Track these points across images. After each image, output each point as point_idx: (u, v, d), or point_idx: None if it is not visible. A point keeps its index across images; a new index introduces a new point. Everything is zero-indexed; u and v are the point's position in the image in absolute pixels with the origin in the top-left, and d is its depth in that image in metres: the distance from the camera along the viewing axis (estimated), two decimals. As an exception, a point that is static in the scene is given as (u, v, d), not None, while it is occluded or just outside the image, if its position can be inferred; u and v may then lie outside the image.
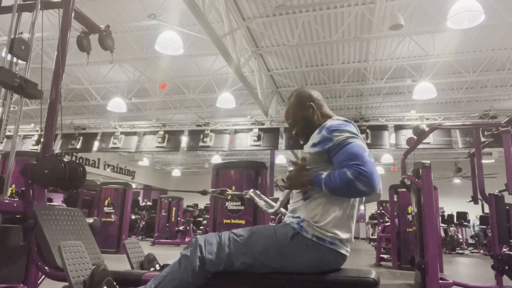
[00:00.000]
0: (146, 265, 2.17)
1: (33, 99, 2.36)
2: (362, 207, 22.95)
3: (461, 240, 12.83)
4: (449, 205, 15.07)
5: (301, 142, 1.79)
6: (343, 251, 1.53)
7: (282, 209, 1.88)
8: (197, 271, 1.53)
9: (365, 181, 1.39)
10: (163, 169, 23.10)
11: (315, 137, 1.61)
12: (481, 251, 11.92)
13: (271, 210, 1.79)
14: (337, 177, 1.45)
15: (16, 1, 2.48)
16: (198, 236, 1.69)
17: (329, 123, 1.61)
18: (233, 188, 5.73)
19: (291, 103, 1.78)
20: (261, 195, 2.00)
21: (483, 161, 4.99)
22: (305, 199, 1.58)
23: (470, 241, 13.98)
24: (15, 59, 2.37)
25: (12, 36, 2.33)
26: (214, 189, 2.22)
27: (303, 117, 1.73)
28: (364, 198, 1.61)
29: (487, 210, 6.06)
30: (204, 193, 2.27)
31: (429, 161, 4.11)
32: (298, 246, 1.50)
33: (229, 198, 5.57)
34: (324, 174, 1.51)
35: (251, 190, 2.00)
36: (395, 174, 11.71)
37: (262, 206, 1.87)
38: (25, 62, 2.35)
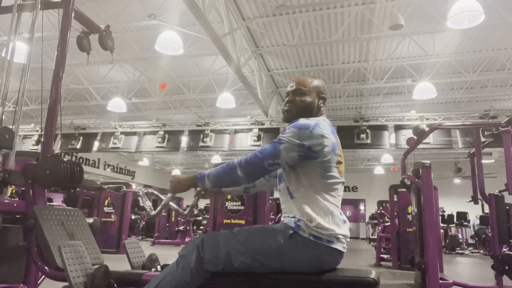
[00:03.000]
0: (148, 265, 2.17)
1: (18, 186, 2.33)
2: (362, 207, 22.73)
3: (461, 240, 12.83)
4: (449, 205, 15.07)
5: (283, 113, 1.78)
6: (340, 248, 1.53)
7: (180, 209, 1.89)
8: (195, 271, 1.53)
9: (243, 167, 1.51)
10: (163, 169, 23.09)
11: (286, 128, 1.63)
12: (481, 251, 11.93)
13: (152, 213, 1.79)
14: (223, 166, 1.57)
15: (16, 1, 2.48)
16: (196, 236, 1.69)
17: (301, 120, 1.60)
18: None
19: (315, 79, 1.78)
20: (155, 193, 1.95)
21: (483, 161, 5.00)
22: (291, 197, 1.61)
23: (470, 241, 13.99)
24: None
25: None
26: (111, 185, 2.18)
27: (312, 99, 1.73)
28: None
29: (487, 210, 6.06)
30: (101, 189, 2.25)
31: (429, 161, 4.11)
32: (297, 246, 1.50)
33: (229, 198, 5.57)
34: (211, 169, 1.61)
35: (144, 189, 1.94)
36: (395, 174, 11.72)
37: (146, 208, 1.85)
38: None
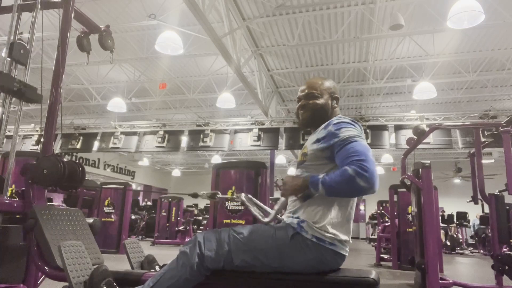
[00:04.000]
0: (146, 266, 2.17)
1: (32, 103, 2.34)
2: (362, 207, 22.68)
3: (461, 240, 12.83)
4: (449, 205, 15.07)
5: (297, 119, 1.80)
6: (342, 252, 1.53)
7: (279, 216, 1.73)
8: (195, 268, 1.53)
9: (366, 178, 1.38)
10: (163, 169, 23.09)
11: (320, 133, 1.61)
12: (481, 251, 11.92)
13: (266, 219, 1.63)
14: (337, 175, 1.43)
15: (16, 1, 2.48)
16: (197, 233, 1.68)
17: (336, 120, 1.62)
18: (233, 188, 5.73)
19: (325, 81, 1.77)
20: (253, 199, 1.79)
21: (483, 161, 5.00)
22: (304, 199, 1.58)
23: (470, 241, 13.98)
24: (14, 63, 2.33)
25: (12, 39, 2.32)
26: (205, 192, 2.11)
27: (325, 101, 1.73)
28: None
29: (487, 210, 6.06)
30: (195, 196, 2.18)
31: (429, 161, 4.11)
32: (298, 246, 1.50)
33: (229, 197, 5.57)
34: (322, 175, 1.49)
35: (243, 194, 1.78)
36: (395, 174, 11.71)
37: (256, 214, 1.67)
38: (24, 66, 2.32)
